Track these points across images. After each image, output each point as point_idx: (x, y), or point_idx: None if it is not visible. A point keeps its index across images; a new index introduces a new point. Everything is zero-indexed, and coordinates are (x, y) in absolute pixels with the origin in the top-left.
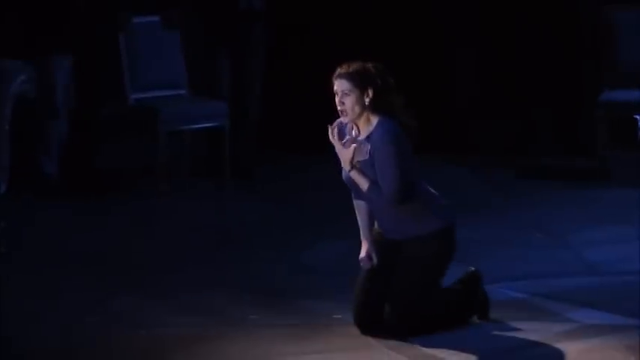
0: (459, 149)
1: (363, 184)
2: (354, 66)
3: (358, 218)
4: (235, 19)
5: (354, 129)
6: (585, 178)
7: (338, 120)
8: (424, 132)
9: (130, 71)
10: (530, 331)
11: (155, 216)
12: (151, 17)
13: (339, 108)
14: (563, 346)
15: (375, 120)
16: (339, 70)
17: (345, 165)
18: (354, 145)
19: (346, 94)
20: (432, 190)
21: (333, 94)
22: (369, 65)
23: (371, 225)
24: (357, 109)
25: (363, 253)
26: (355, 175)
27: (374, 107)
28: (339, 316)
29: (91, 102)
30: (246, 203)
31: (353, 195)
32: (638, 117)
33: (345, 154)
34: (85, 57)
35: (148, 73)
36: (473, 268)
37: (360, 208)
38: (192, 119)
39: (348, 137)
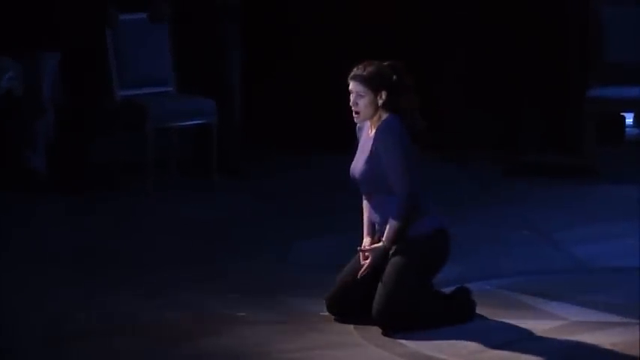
0: (447, 146)
1: (392, 233)
2: (370, 68)
3: (364, 216)
4: (211, 15)
5: (370, 128)
6: (573, 174)
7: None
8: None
9: (118, 68)
10: (518, 327)
11: (143, 213)
12: (138, 14)
13: (352, 107)
14: (550, 342)
15: (384, 116)
16: (354, 72)
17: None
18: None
19: (360, 95)
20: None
21: (320, 92)
22: (386, 65)
23: (373, 225)
24: (370, 110)
25: (365, 245)
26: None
27: (386, 107)
28: (326, 313)
29: (78, 99)
30: (234, 200)
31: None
32: (625, 114)
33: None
34: (72, 54)
35: (136, 71)
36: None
37: (365, 208)
38: (180, 116)
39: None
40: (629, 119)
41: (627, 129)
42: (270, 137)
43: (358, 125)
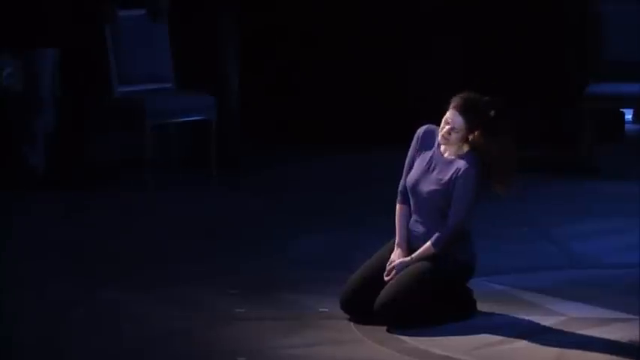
0: None
1: (425, 256)
2: (472, 103)
3: (398, 224)
4: (208, 10)
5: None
6: (571, 171)
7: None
8: (407, 123)
9: (116, 64)
10: (516, 324)
11: (142, 209)
12: (137, 10)
13: (441, 132)
14: (548, 339)
15: (465, 148)
16: (457, 102)
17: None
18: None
19: (455, 130)
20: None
21: (320, 86)
22: (487, 104)
23: (407, 233)
24: (457, 142)
25: (395, 258)
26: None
27: (472, 144)
28: (326, 310)
29: (77, 95)
30: (233, 196)
31: (398, 200)
32: (624, 110)
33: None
34: (71, 50)
35: (134, 67)
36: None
37: (402, 215)
38: (179, 112)
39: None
40: (629, 115)
41: (626, 125)
42: (270, 132)
43: (421, 134)
